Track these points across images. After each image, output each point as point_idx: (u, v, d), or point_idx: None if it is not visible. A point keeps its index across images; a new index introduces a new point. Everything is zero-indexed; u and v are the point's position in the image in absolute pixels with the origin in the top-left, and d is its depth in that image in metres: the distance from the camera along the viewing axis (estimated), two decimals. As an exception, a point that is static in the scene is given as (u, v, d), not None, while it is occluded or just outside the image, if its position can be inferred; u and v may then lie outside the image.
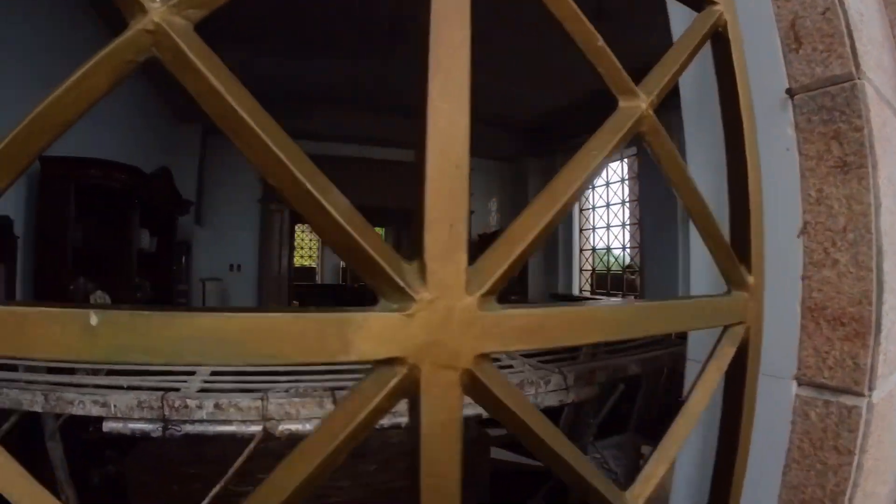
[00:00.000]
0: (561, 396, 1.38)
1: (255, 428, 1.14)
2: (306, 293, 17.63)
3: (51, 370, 1.50)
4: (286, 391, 1.18)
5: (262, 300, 8.37)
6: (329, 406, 1.14)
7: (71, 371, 1.40)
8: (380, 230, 19.27)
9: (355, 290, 18.63)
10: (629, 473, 2.51)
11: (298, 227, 14.19)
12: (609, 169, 7.77)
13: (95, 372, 1.42)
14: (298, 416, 1.14)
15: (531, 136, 8.97)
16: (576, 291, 8.36)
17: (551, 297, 8.32)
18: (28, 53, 3.55)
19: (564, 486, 2.22)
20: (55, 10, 3.87)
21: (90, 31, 4.47)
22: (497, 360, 1.64)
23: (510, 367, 1.56)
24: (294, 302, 10.49)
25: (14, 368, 1.50)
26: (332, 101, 7.83)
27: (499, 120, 8.28)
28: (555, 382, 1.38)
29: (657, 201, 6.23)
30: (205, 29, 0.28)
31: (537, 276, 8.91)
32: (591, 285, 8.16)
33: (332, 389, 1.20)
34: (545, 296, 8.59)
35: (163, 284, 5.61)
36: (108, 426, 1.11)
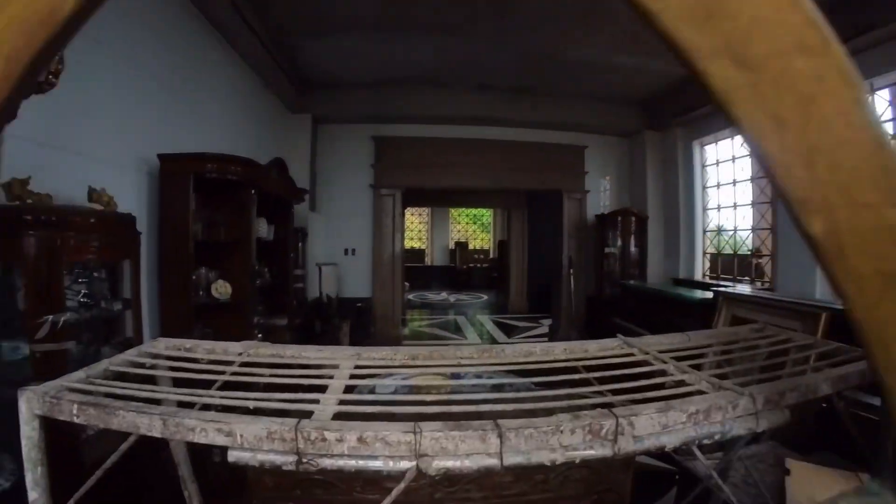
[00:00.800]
0: (749, 424, 1.11)
1: (406, 464, 0.96)
2: (417, 275, 17.98)
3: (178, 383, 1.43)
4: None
5: (375, 282, 8.46)
6: (494, 440, 0.95)
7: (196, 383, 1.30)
8: (487, 212, 19.15)
9: (464, 271, 18.77)
10: (772, 486, 2.18)
11: (408, 210, 14.32)
12: (734, 140, 7.07)
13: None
14: (457, 451, 0.95)
15: (649, 109, 8.39)
16: (698, 276, 7.71)
17: (672, 283, 7.74)
18: (130, 51, 3.67)
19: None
20: (156, 9, 3.97)
21: (192, 28, 4.61)
22: (648, 365, 1.42)
23: (682, 382, 1.32)
24: (405, 283, 10.63)
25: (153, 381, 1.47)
26: (440, 82, 7.65)
27: (616, 94, 7.88)
28: (743, 407, 1.11)
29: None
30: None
31: (657, 260, 8.37)
32: (716, 270, 7.47)
33: (496, 420, 1.00)
34: (665, 281, 8.02)
35: (281, 270, 5.73)
36: (233, 456, 0.99)
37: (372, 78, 7.48)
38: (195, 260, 3.97)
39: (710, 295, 5.41)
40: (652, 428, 1.04)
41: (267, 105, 6.82)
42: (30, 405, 1.19)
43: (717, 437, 1.10)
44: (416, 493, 1.84)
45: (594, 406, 1.12)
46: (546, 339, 8.81)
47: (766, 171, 0.23)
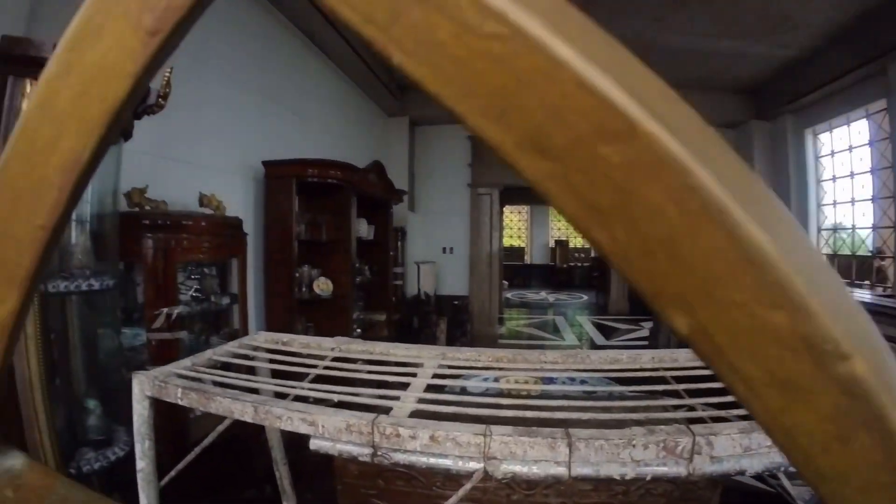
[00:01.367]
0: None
1: (474, 465, 0.98)
2: (515, 273, 17.86)
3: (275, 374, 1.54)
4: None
5: (473, 280, 8.50)
6: (563, 449, 0.95)
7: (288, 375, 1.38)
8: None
9: (564, 270, 18.41)
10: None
11: (507, 209, 14.29)
12: (850, 127, 6.38)
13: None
14: (525, 457, 0.96)
15: (756, 97, 7.75)
16: None
17: None
18: (234, 67, 3.94)
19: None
20: (253, 24, 4.23)
21: (291, 44, 4.86)
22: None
23: None
24: (504, 281, 10.62)
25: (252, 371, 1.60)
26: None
27: (717, 82, 7.30)
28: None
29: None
30: None
31: None
32: None
33: (567, 428, 1.00)
34: None
35: (380, 268, 5.91)
36: (315, 444, 1.05)
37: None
38: (298, 258, 4.18)
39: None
40: (732, 449, 0.97)
41: (365, 110, 7.06)
42: (141, 387, 1.30)
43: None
44: (493, 494, 1.85)
45: (675, 421, 1.07)
46: (646, 342, 8.46)
47: (611, 265, 0.21)
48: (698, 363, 1.55)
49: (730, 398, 1.25)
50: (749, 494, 2.60)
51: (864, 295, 5.43)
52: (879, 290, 5.66)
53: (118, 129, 0.29)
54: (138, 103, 2.05)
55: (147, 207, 2.60)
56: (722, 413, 1.13)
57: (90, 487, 2.06)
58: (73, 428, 1.99)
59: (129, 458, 1.30)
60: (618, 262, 0.20)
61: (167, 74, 2.06)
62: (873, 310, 3.96)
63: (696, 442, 0.96)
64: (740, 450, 0.97)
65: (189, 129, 3.37)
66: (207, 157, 3.57)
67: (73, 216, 2.02)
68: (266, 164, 4.07)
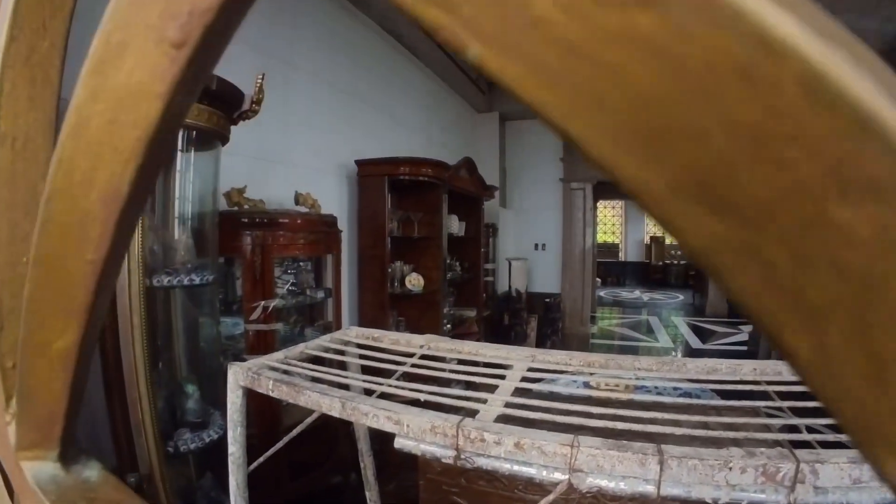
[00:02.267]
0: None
1: (559, 476, 0.95)
2: (609, 271, 17.30)
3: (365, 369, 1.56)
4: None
5: (564, 278, 8.30)
6: (653, 466, 0.89)
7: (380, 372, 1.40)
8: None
9: (659, 268, 17.62)
10: None
11: (600, 203, 13.82)
12: None
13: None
14: (612, 471, 0.91)
15: None
16: None
17: None
18: (325, 71, 4.05)
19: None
20: (340, 29, 4.31)
21: (379, 46, 4.94)
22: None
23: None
24: (596, 279, 10.30)
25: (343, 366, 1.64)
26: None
27: None
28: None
29: None
30: None
31: None
32: None
33: (660, 445, 0.93)
34: None
35: (471, 265, 5.90)
36: (399, 443, 1.06)
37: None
38: (391, 254, 4.25)
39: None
40: (839, 480, 0.86)
41: (454, 108, 7.06)
42: (236, 378, 1.36)
43: (925, 508, 0.87)
44: (572, 494, 1.77)
45: (778, 443, 0.96)
46: (745, 347, 7.94)
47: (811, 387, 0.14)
48: (802, 377, 1.39)
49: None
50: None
51: None
52: None
53: (160, 155, 0.26)
54: (234, 110, 2.13)
55: (245, 206, 2.71)
56: (829, 437, 1.00)
57: (186, 466, 2.18)
58: (172, 410, 2.11)
59: (223, 440, 1.35)
60: (822, 387, 0.12)
61: (259, 80, 2.13)
62: None
63: (799, 469, 0.85)
64: (849, 481, 0.85)
65: (284, 132, 3.51)
66: (302, 158, 3.70)
67: (175, 215, 2.14)
68: (358, 162, 4.16)
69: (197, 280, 2.06)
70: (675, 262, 16.99)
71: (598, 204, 10.90)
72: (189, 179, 2.20)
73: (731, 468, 0.85)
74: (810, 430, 1.04)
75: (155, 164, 0.26)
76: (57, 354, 0.32)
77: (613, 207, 18.88)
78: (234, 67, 2.55)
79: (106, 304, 0.31)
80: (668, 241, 18.04)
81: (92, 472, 0.42)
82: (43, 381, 0.34)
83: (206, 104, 2.00)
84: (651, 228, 18.69)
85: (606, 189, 9.79)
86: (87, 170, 0.26)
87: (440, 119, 6.53)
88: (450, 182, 4.70)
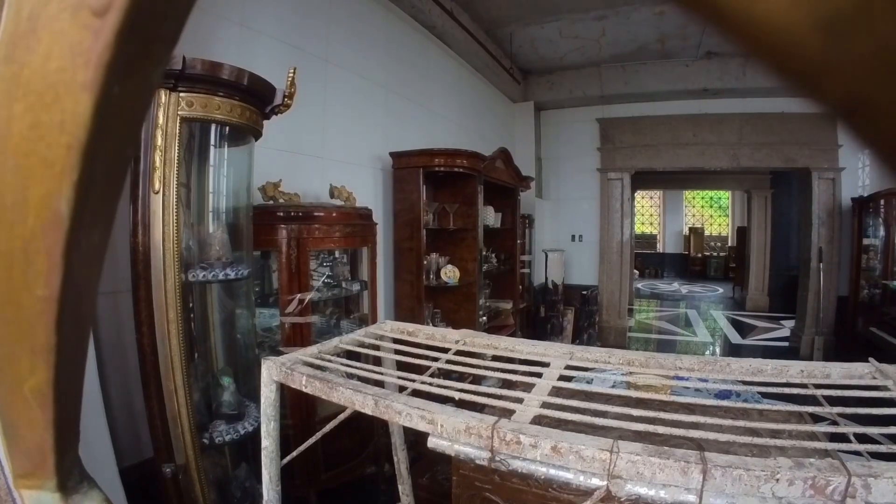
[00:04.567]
0: None
1: (597, 482, 0.91)
2: (647, 262, 16.95)
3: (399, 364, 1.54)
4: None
5: (602, 269, 8.15)
6: (696, 475, 0.84)
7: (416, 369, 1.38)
8: (725, 195, 17.21)
9: (698, 260, 17.17)
10: None
11: (638, 194, 13.50)
12: None
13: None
14: (653, 479, 0.86)
15: None
16: None
17: None
18: (358, 64, 4.04)
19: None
20: (374, 21, 4.28)
21: (412, 38, 4.89)
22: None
23: None
24: (634, 271, 10.08)
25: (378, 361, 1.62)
26: (662, 54, 7.02)
27: None
28: None
29: None
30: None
31: None
32: None
33: (703, 452, 0.88)
34: None
35: (507, 256, 5.84)
36: (432, 442, 1.05)
37: (589, 59, 7.15)
38: (426, 246, 4.22)
39: None
40: (893, 496, 0.78)
41: (489, 98, 6.96)
42: (269, 372, 1.36)
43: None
44: (611, 501, 1.70)
45: (827, 453, 0.88)
46: (787, 343, 7.65)
47: None
48: (854, 381, 1.29)
49: (893, 429, 1.02)
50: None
51: None
52: None
53: (110, 167, 0.21)
54: (267, 105, 2.11)
55: (281, 200, 2.71)
56: (882, 448, 0.92)
57: (222, 456, 2.20)
58: (208, 402, 2.13)
59: (258, 432, 1.35)
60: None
61: (291, 74, 2.11)
62: None
63: (850, 483, 0.78)
64: (903, 496, 0.78)
65: (318, 125, 3.50)
66: (336, 151, 3.69)
67: (210, 210, 2.14)
68: (393, 155, 4.14)
69: (232, 274, 2.06)
70: (715, 253, 16.54)
71: (635, 194, 10.65)
72: (223, 174, 2.21)
73: (777, 479, 0.80)
74: (860, 438, 0.96)
75: (103, 177, 0.21)
76: (31, 393, 0.28)
77: (651, 198, 18.44)
78: (267, 63, 2.56)
79: (84, 341, 0.27)
80: (707, 231, 17.58)
81: (92, 502, 0.39)
82: (23, 418, 0.31)
83: (238, 100, 1.99)
84: (689, 219, 18.22)
85: (644, 179, 9.55)
86: (18, 189, 0.21)
87: (475, 110, 6.46)
88: (485, 173, 4.65)
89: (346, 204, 3.14)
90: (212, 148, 2.13)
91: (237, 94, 1.98)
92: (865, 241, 6.70)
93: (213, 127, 2.10)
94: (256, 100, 2.11)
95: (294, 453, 1.52)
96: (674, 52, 6.91)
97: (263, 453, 1.40)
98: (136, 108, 0.21)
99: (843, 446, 0.93)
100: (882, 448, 0.92)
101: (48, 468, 0.34)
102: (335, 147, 3.67)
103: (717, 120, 7.50)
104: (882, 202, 6.46)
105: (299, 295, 2.65)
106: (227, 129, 2.12)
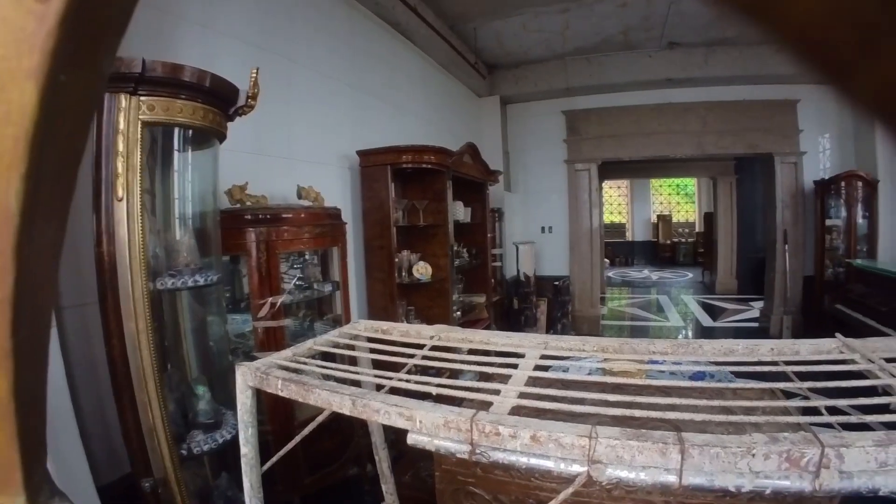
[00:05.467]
0: None
1: (578, 468, 0.93)
2: (617, 251, 17.22)
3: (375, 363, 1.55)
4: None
5: (573, 259, 8.25)
6: (674, 456, 0.86)
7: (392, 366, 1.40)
8: (691, 182, 17.57)
9: (667, 246, 17.51)
10: None
11: (606, 184, 13.71)
12: None
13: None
14: (633, 462, 0.89)
15: None
16: None
17: None
18: (322, 63, 4.02)
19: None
20: (337, 19, 4.27)
21: (375, 35, 4.90)
22: (872, 378, 1.16)
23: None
24: (604, 260, 10.24)
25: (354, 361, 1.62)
26: (627, 45, 7.12)
27: None
28: None
29: None
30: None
31: (891, 234, 6.76)
32: None
33: (680, 433, 0.90)
34: None
35: (479, 250, 5.87)
36: (412, 438, 1.06)
37: (554, 52, 7.23)
38: (397, 244, 4.22)
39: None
40: (866, 464, 0.83)
41: (455, 93, 6.98)
42: (244, 378, 1.35)
43: (951, 487, 0.83)
44: (593, 486, 1.74)
45: (800, 426, 0.92)
46: (757, 324, 7.88)
47: None
48: (823, 357, 1.35)
49: (862, 400, 1.07)
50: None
51: None
52: None
53: (59, 158, 0.21)
54: (230, 106, 2.09)
55: (248, 203, 2.69)
56: (853, 419, 0.97)
57: (201, 467, 2.17)
58: (184, 412, 2.10)
59: (236, 440, 1.35)
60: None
61: (254, 75, 2.08)
62: None
63: (824, 454, 0.83)
64: (875, 465, 0.83)
65: (284, 125, 3.47)
66: (303, 151, 3.66)
67: (176, 216, 2.11)
68: (360, 153, 4.12)
69: (201, 281, 2.04)
70: (683, 239, 16.89)
71: (603, 184, 10.80)
72: (188, 179, 2.17)
73: (754, 455, 0.83)
74: (831, 411, 1.01)
75: (54, 169, 0.21)
76: (-11, 404, 0.27)
77: (619, 187, 18.72)
78: (230, 64, 2.52)
79: (44, 344, 0.26)
80: (675, 218, 17.92)
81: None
82: (-17, 431, 0.29)
83: (201, 102, 1.96)
84: (657, 207, 18.55)
85: (611, 168, 9.69)
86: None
87: (442, 106, 6.48)
88: (453, 168, 4.66)
89: (315, 204, 3.12)
90: (175, 152, 2.09)
91: (200, 96, 1.95)
92: (828, 222, 6.96)
93: (175, 131, 2.07)
94: (219, 101, 2.08)
95: (274, 459, 1.52)
96: (637, 44, 7.02)
97: (243, 461, 1.40)
98: (85, 98, 0.21)
99: (815, 419, 0.97)
100: (852, 419, 0.96)
101: (16, 483, 0.33)
102: (302, 147, 3.64)
103: (681, 109, 7.66)
104: (843, 184, 6.75)
105: (271, 298, 2.63)
106: (191, 132, 2.09)
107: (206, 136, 2.16)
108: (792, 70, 6.88)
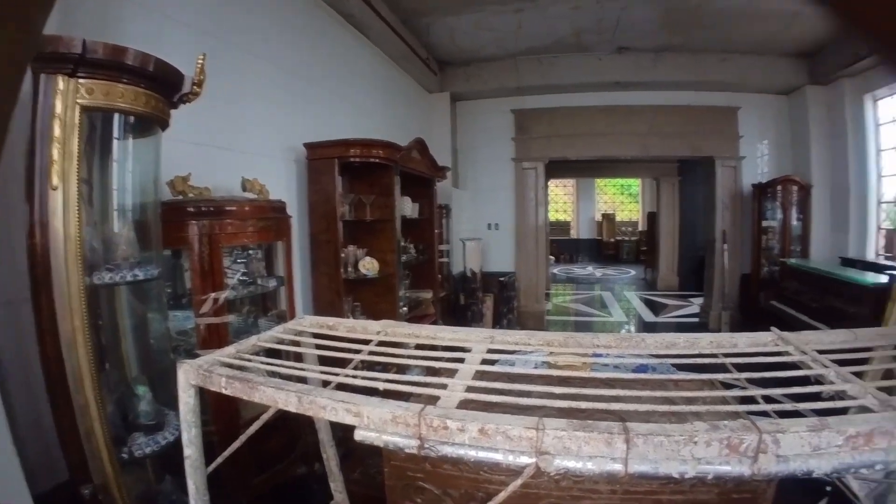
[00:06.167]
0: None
1: (526, 459, 0.94)
2: (562, 248, 17.60)
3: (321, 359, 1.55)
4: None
5: (519, 256, 8.39)
6: (620, 445, 0.89)
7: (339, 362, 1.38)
8: (635, 182, 18.14)
9: (611, 244, 18.03)
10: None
11: (552, 182, 13.99)
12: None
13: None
14: (580, 452, 0.91)
15: (811, 61, 7.20)
16: (870, 256, 6.57)
17: (840, 263, 6.68)
18: (271, 51, 3.94)
19: None
20: (289, 9, 4.22)
21: (327, 25, 4.87)
22: (804, 368, 1.23)
23: (843, 393, 1.12)
24: (550, 257, 10.45)
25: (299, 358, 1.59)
26: (577, 48, 7.27)
27: (771, 46, 6.82)
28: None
29: None
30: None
31: (822, 235, 7.27)
32: (893, 249, 6.34)
33: (625, 423, 0.93)
34: (832, 260, 6.93)
35: (426, 246, 5.88)
36: (360, 435, 1.06)
37: (506, 51, 7.33)
38: (344, 239, 4.17)
39: (884, 279, 4.63)
40: (800, 448, 0.89)
41: (405, 88, 6.98)
42: (187, 376, 1.31)
43: (878, 468, 0.91)
44: (540, 477, 1.79)
45: (738, 415, 0.98)
46: (697, 319, 8.30)
47: None
48: (759, 349, 1.43)
49: (796, 389, 1.15)
50: (807, 488, 2.44)
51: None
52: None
53: None
54: (175, 93, 2.03)
55: (191, 195, 2.61)
56: (787, 407, 1.04)
57: (144, 471, 2.10)
58: (124, 413, 2.03)
59: (180, 441, 1.31)
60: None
61: (200, 61, 2.03)
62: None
63: (762, 440, 0.88)
64: (809, 449, 0.89)
65: (229, 116, 3.37)
66: (249, 143, 3.57)
67: (115, 207, 2.03)
68: (308, 146, 4.06)
69: (141, 275, 1.97)
70: (627, 238, 17.43)
71: (549, 183, 11.01)
72: (128, 168, 2.08)
73: (696, 442, 0.87)
74: (767, 400, 1.08)
75: None
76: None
77: (565, 186, 19.13)
78: (175, 50, 2.44)
79: None
80: (619, 217, 18.47)
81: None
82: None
83: (144, 87, 1.89)
84: (602, 206, 19.07)
85: (558, 167, 9.88)
86: None
87: (392, 101, 6.45)
88: (402, 163, 4.65)
89: (260, 197, 3.06)
90: (115, 140, 2.00)
91: (142, 81, 1.88)
92: (764, 224, 7.48)
93: (116, 117, 1.97)
94: (163, 87, 2.00)
95: (219, 460, 1.49)
96: (588, 46, 7.18)
97: (187, 462, 1.36)
98: (10, 55, 0.20)
99: (753, 408, 1.03)
100: (787, 407, 1.03)
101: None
102: (248, 139, 3.56)
103: (628, 111, 7.93)
104: (779, 188, 7.28)
105: (213, 294, 2.56)
106: (132, 118, 2.00)
107: (149, 124, 2.08)
108: (735, 78, 7.26)
